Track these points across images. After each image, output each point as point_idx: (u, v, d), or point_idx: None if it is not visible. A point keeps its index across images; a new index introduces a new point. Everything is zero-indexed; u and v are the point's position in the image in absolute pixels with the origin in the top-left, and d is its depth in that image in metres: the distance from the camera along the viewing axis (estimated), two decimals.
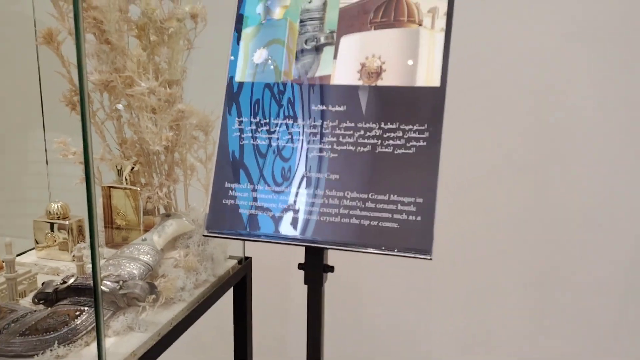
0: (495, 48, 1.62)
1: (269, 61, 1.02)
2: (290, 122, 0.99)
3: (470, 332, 1.79)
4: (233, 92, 1.03)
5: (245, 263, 1.28)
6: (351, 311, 1.87)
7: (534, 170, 1.67)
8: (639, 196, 1.62)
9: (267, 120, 1.00)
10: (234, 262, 1.27)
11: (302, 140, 0.98)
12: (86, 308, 0.88)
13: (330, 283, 1.68)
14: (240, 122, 1.01)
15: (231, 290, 1.27)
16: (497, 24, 1.62)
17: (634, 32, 1.55)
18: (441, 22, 0.97)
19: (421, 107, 0.95)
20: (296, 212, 0.95)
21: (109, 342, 0.87)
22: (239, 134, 1.01)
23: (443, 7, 0.97)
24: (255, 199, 0.98)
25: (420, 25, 0.97)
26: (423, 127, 0.94)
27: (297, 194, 0.96)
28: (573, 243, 1.68)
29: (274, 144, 0.99)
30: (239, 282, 1.29)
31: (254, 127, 1.01)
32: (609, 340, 1.70)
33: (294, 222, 0.95)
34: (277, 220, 0.96)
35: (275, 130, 0.99)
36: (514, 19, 1.62)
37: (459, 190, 1.70)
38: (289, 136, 0.99)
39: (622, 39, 1.57)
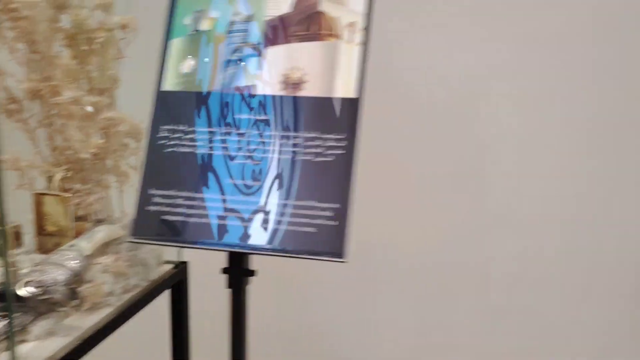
0: (418, 60, 1.68)
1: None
2: (214, 130, 1.02)
3: (415, 331, 1.84)
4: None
5: (180, 267, 1.30)
6: (293, 311, 1.90)
7: (464, 175, 1.73)
8: (573, 195, 1.69)
9: (193, 129, 1.03)
10: (170, 266, 1.29)
11: (227, 147, 1.01)
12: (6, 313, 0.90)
13: (273, 282, 1.71)
14: (171, 130, 1.04)
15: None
16: (419, 36, 1.67)
17: (555, 40, 1.63)
18: (359, 36, 1.01)
19: (339, 117, 0.99)
20: (220, 218, 0.98)
21: (28, 346, 0.88)
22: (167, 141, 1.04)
23: (361, 22, 1.02)
24: (179, 205, 1.00)
25: (339, 38, 1.02)
26: (341, 136, 0.98)
27: (219, 200, 0.99)
28: (505, 242, 1.74)
29: (199, 151, 1.02)
30: (176, 286, 1.31)
31: (181, 134, 1.04)
32: (550, 336, 1.77)
33: (213, 229, 0.98)
34: (198, 226, 0.99)
35: (197, 139, 1.03)
36: (436, 31, 1.67)
37: (388, 196, 1.75)
38: (212, 144, 1.02)
39: (543, 47, 1.64)
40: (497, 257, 1.75)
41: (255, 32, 1.05)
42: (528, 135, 1.68)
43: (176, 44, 1.08)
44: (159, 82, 1.06)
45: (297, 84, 1.01)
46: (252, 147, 1.00)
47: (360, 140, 0.97)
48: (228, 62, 1.05)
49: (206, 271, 1.63)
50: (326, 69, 1.01)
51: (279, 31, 1.04)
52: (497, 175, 1.71)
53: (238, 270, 0.99)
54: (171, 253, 1.33)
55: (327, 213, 0.95)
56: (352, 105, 0.98)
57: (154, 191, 1.01)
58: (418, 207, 1.76)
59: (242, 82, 1.04)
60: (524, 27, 1.64)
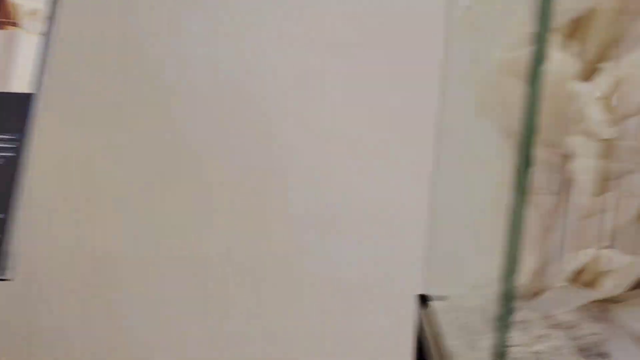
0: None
1: None
2: None
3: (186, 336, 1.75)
4: None
5: None
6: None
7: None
8: (372, 196, 1.67)
9: None
10: None
11: None
12: None
13: None
14: None
15: None
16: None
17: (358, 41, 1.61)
18: (42, 26, 0.91)
19: (12, 114, 0.88)
20: None
21: None
22: None
23: (45, 10, 0.91)
24: None
25: (20, 27, 0.91)
26: (12, 137, 0.87)
27: None
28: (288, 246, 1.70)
29: None
30: None
31: None
32: (333, 339, 1.74)
33: None
34: None
35: None
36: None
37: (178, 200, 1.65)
38: None
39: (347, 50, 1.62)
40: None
41: None
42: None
43: None
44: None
45: None
46: None
47: (34, 140, 0.87)
48: None
49: None
50: (2, 61, 0.89)
51: None
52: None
53: None
54: None
55: None
56: (27, 102, 0.88)
57: None
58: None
59: None
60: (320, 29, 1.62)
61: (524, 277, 0.68)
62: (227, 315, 1.70)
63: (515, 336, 0.66)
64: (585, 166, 0.54)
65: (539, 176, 0.63)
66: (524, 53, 0.53)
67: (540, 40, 0.43)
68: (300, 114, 1.63)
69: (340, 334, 1.73)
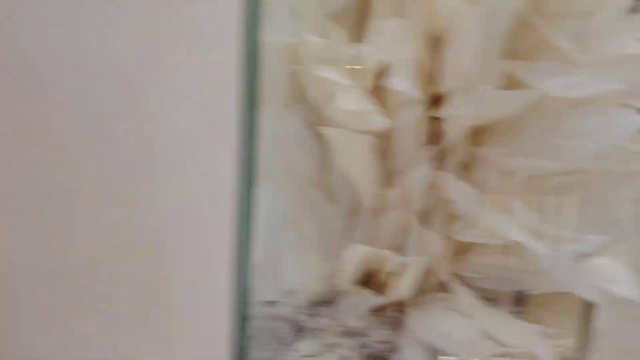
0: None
1: None
2: None
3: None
4: None
5: None
6: None
7: None
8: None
9: None
10: None
11: None
12: None
13: None
14: None
15: None
16: None
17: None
18: None
19: None
20: None
21: None
22: None
23: None
24: None
25: None
26: None
27: None
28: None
29: None
30: None
31: None
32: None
33: None
34: None
35: None
36: None
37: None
38: None
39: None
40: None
41: None
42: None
43: None
44: None
45: None
46: None
47: None
48: None
49: None
50: None
51: None
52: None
53: None
54: None
55: None
56: None
57: None
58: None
59: None
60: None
61: (317, 281, 0.63)
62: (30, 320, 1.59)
63: (306, 345, 0.62)
64: (346, 160, 0.49)
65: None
66: (293, 38, 0.48)
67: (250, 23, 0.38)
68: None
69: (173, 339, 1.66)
